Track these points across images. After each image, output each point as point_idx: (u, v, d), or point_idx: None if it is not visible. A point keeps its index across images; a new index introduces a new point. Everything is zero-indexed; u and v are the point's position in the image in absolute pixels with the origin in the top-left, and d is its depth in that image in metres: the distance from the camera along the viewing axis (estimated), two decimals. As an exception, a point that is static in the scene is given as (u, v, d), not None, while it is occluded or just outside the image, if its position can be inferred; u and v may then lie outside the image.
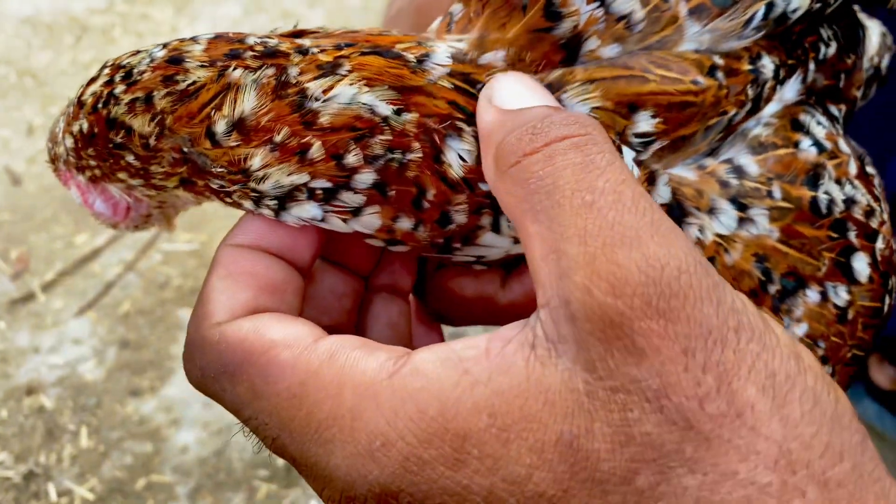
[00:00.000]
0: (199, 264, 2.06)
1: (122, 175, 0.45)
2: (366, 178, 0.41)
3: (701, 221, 0.43)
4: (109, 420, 1.76)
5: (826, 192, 0.44)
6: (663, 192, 0.43)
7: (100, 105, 0.43)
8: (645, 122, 0.42)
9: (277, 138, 0.40)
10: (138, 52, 0.44)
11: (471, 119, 0.41)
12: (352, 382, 0.36)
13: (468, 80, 0.42)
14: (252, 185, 0.41)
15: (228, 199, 0.43)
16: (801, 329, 0.43)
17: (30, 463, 1.69)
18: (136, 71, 0.43)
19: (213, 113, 0.41)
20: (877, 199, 0.47)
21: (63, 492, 1.65)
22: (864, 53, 0.53)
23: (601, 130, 0.37)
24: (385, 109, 0.40)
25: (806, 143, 0.45)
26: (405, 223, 0.42)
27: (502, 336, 0.36)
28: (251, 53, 0.42)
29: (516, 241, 0.43)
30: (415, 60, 0.42)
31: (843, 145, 0.47)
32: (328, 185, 0.41)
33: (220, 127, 0.41)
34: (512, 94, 0.40)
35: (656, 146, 0.42)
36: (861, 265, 0.44)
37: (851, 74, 0.51)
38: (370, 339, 0.49)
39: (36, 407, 1.78)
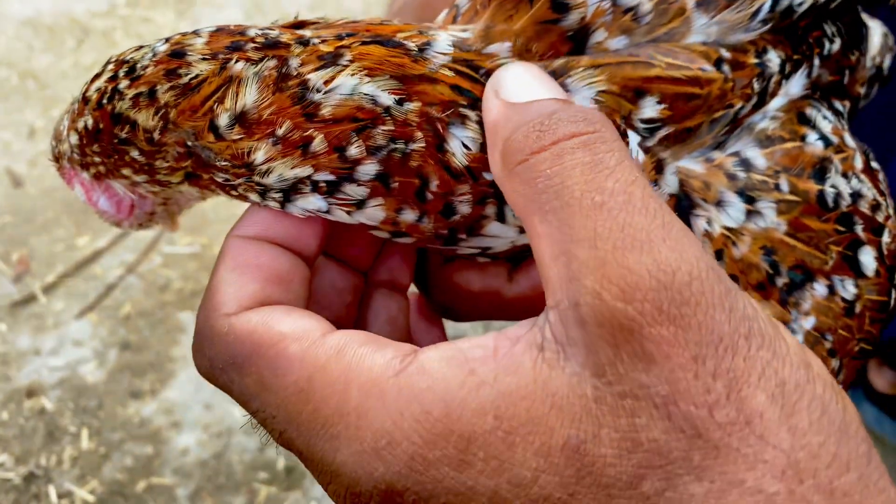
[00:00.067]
0: (200, 267, 2.06)
1: (126, 171, 0.45)
2: (369, 169, 0.40)
3: (709, 213, 0.43)
4: (110, 422, 1.76)
5: (833, 186, 0.44)
6: (671, 181, 0.43)
7: (104, 101, 0.43)
8: (650, 108, 0.42)
9: (280, 131, 0.40)
10: (141, 47, 0.44)
11: (475, 103, 0.41)
12: (358, 379, 0.36)
13: (471, 66, 0.42)
14: (256, 178, 0.41)
15: (234, 193, 0.43)
16: (809, 322, 0.43)
17: (30, 465, 1.69)
18: (139, 66, 0.43)
19: (215, 106, 0.41)
20: (882, 193, 0.47)
21: (63, 494, 1.64)
22: (867, 52, 0.53)
23: (610, 127, 0.37)
24: (387, 99, 0.40)
25: (812, 136, 0.45)
26: (409, 215, 0.42)
27: (510, 335, 0.36)
28: (252, 45, 0.42)
29: (522, 230, 0.43)
30: (416, 49, 0.41)
31: (849, 140, 0.47)
32: (331, 177, 0.41)
33: (223, 120, 0.41)
34: (519, 85, 0.40)
35: (662, 132, 0.42)
36: (868, 259, 0.44)
37: (855, 71, 0.51)
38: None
39: (37, 409, 1.78)
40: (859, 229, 0.44)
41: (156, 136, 0.42)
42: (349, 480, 0.35)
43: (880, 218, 0.45)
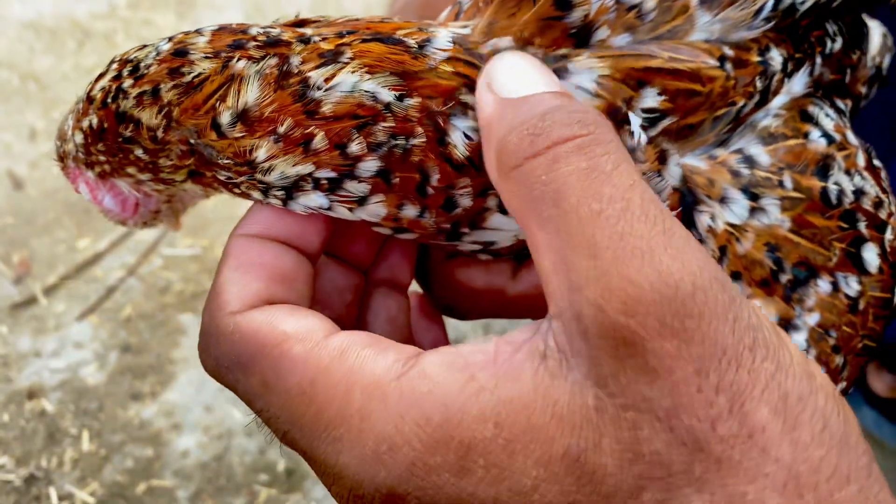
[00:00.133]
0: (201, 269, 2.06)
1: (131, 170, 0.45)
2: (370, 166, 0.41)
3: (713, 210, 0.43)
4: (111, 424, 1.76)
5: (836, 183, 0.44)
6: (674, 172, 0.42)
7: (109, 100, 0.43)
8: (651, 98, 0.42)
9: (281, 129, 0.40)
10: (145, 46, 0.44)
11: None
12: (361, 383, 0.36)
13: (473, 55, 0.42)
14: (258, 176, 0.41)
15: (237, 191, 0.44)
16: (814, 319, 0.43)
17: (31, 466, 1.68)
18: (142, 65, 0.43)
19: (217, 104, 0.41)
20: (885, 191, 0.47)
21: (64, 496, 1.64)
22: (868, 51, 0.54)
23: (606, 127, 0.36)
24: (387, 96, 0.40)
25: (815, 133, 0.45)
26: (410, 210, 0.42)
27: (512, 340, 0.36)
28: (254, 44, 0.42)
29: None
30: (416, 46, 0.41)
31: (852, 137, 0.47)
32: (332, 174, 0.41)
33: (225, 118, 0.41)
34: (512, 79, 0.38)
35: (665, 123, 0.42)
36: (871, 255, 0.44)
37: (856, 70, 0.51)
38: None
39: (37, 411, 1.77)
40: (862, 226, 0.44)
41: (159, 134, 0.42)
42: (352, 483, 0.36)
43: (883, 215, 0.46)
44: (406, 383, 0.35)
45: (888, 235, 0.45)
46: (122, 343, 1.91)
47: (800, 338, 0.42)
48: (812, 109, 0.46)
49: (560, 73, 0.41)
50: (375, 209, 0.42)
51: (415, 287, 0.53)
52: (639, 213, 0.33)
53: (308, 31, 0.43)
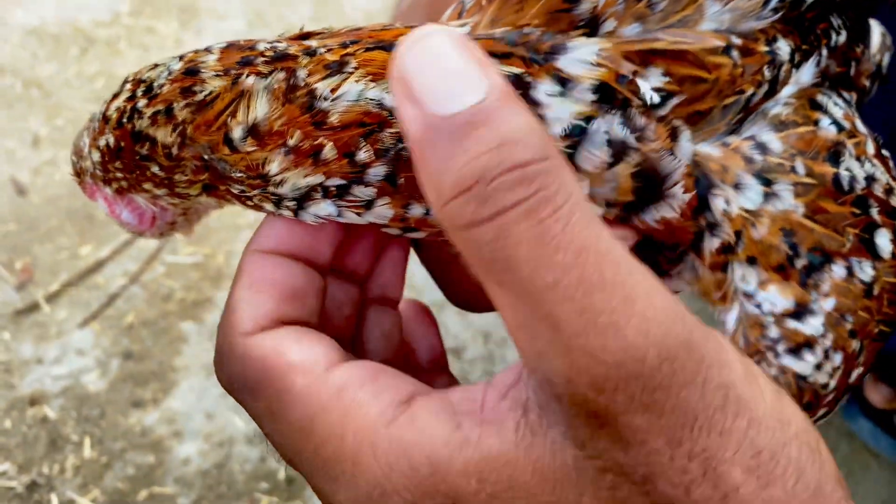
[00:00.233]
0: (203, 277, 2.06)
1: (147, 185, 0.46)
2: (378, 171, 0.41)
3: (726, 194, 0.43)
4: (112, 431, 1.76)
5: (847, 169, 0.44)
6: (685, 149, 0.42)
7: (124, 119, 0.44)
8: (655, 78, 0.42)
9: (291, 142, 0.41)
10: (157, 65, 0.45)
11: None
12: (354, 425, 0.37)
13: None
14: (271, 188, 0.42)
15: (250, 203, 0.44)
16: (830, 304, 0.43)
17: (33, 473, 1.68)
18: (156, 84, 0.44)
19: (229, 120, 0.42)
20: (895, 178, 0.47)
21: (66, 502, 1.64)
22: (870, 47, 0.54)
23: (555, 170, 0.32)
24: (392, 101, 0.41)
25: (825, 121, 0.46)
26: (417, 210, 0.42)
27: (499, 385, 0.36)
28: (262, 59, 0.43)
29: None
30: None
31: (860, 126, 0.47)
32: (341, 182, 0.41)
33: (237, 133, 0.42)
34: (437, 80, 0.32)
35: (675, 101, 0.42)
36: (884, 241, 0.45)
37: (860, 63, 0.52)
38: (368, 350, 0.50)
39: (39, 417, 1.77)
40: (874, 212, 0.45)
41: (174, 151, 0.43)
42: None
43: (894, 202, 0.46)
44: (395, 431, 0.36)
45: None
46: (124, 350, 1.91)
47: (816, 322, 0.43)
48: (821, 98, 0.47)
49: (558, 49, 0.41)
50: (382, 211, 0.42)
51: (407, 293, 0.54)
52: (596, 281, 0.31)
53: (313, 42, 0.44)
